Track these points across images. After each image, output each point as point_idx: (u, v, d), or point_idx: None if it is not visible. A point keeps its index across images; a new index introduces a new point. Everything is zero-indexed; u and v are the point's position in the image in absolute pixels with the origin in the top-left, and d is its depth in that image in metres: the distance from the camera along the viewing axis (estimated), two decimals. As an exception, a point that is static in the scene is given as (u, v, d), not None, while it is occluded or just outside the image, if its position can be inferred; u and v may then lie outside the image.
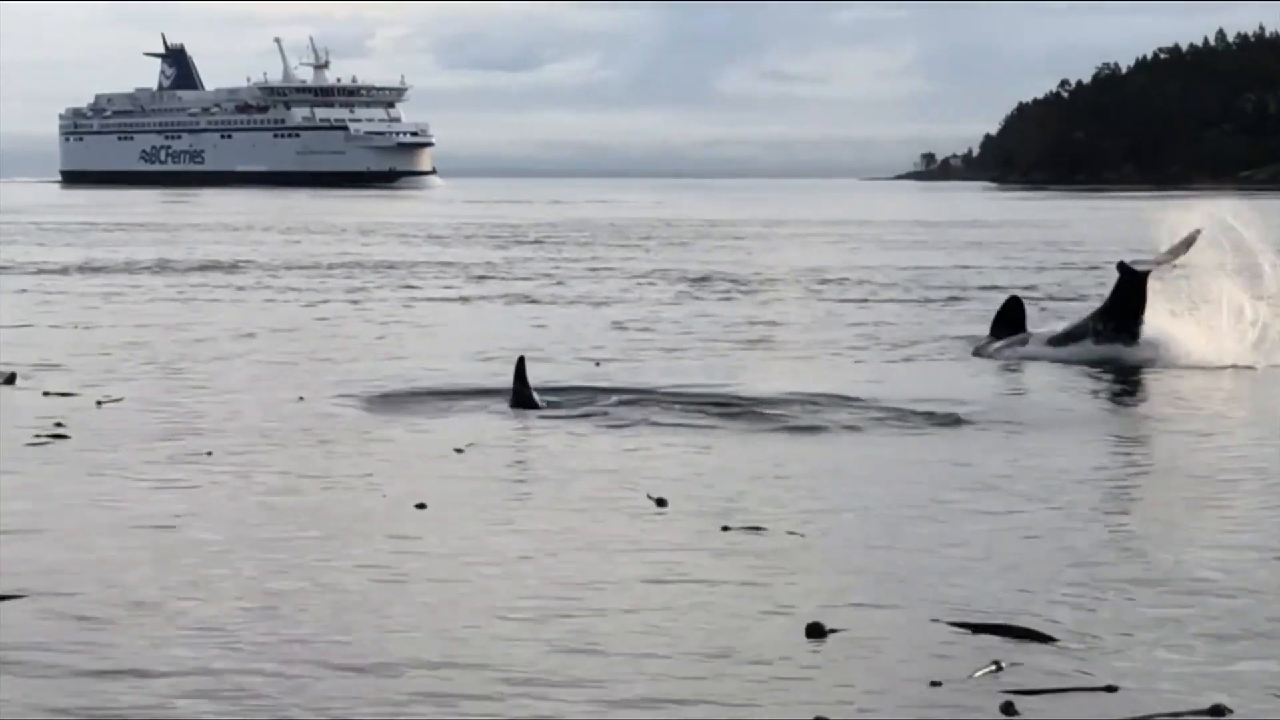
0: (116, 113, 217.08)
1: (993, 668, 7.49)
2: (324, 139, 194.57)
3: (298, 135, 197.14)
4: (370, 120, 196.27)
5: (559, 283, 35.06)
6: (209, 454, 13.25)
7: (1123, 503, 11.84)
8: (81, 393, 16.66)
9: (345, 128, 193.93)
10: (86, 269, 38.83)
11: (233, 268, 39.49)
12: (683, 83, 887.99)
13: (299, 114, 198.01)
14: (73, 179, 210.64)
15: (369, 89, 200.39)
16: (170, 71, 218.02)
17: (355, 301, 30.03)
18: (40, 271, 37.68)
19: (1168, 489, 12.39)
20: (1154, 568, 9.58)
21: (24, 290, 31.95)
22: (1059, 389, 17.80)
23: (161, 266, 39.94)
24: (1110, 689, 7.27)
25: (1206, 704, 7.04)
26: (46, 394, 16.57)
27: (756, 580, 9.17)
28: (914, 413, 15.54)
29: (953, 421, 15.14)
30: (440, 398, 16.58)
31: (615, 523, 10.81)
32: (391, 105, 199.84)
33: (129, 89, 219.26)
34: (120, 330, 24.09)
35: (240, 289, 32.92)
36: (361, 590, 9.00)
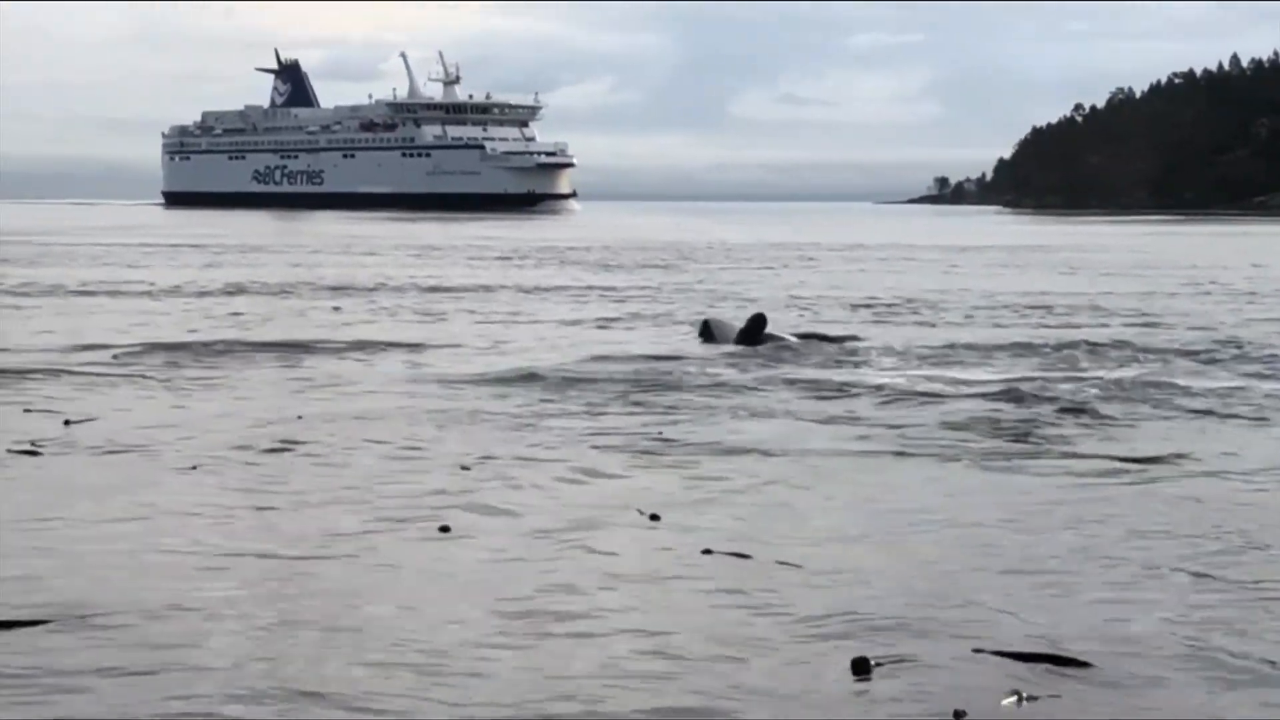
0: (226, 131, 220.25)
1: (1014, 699, 7.84)
2: (458, 158, 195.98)
3: (428, 155, 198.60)
4: (505, 139, 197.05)
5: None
6: (194, 468, 14.17)
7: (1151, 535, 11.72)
8: (61, 410, 17.76)
9: (481, 147, 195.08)
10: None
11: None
12: (699, 106, 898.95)
13: (430, 132, 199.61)
14: (176, 200, 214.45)
15: (503, 106, 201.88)
16: (284, 88, 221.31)
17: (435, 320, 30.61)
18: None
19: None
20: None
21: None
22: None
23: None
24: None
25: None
26: (27, 410, 17.81)
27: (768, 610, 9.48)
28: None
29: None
30: None
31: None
32: (525, 124, 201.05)
33: (237, 106, 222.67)
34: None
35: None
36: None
